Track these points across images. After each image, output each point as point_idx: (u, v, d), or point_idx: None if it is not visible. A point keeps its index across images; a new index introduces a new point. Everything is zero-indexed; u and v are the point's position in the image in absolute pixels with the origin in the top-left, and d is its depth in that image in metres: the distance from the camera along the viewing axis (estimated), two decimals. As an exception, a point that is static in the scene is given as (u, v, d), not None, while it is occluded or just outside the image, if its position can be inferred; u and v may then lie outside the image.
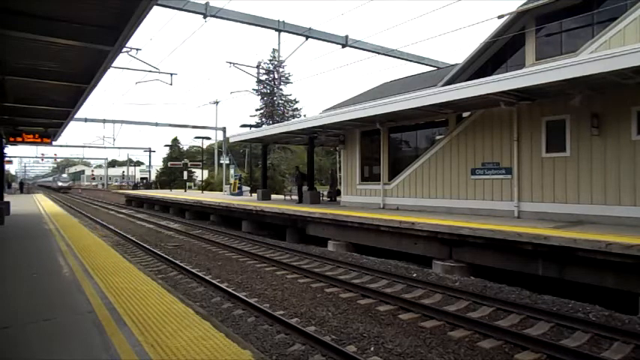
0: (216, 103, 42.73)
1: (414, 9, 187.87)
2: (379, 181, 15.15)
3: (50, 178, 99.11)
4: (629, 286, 6.72)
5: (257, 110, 49.78)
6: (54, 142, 24.14)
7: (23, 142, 16.66)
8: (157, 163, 74.27)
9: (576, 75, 8.20)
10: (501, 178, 11.33)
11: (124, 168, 71.05)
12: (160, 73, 24.70)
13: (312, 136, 18.33)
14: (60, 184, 71.10)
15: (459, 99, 10.56)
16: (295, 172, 21.97)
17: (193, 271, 9.41)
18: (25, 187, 58.54)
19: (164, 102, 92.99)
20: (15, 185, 58.25)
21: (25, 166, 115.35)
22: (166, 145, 62.86)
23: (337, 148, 22.67)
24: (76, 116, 16.01)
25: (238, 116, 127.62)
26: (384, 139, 15.14)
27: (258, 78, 45.12)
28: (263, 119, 48.31)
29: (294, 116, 48.17)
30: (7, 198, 18.03)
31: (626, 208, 8.96)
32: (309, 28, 19.20)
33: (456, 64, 16.77)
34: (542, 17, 13.64)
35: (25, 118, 14.67)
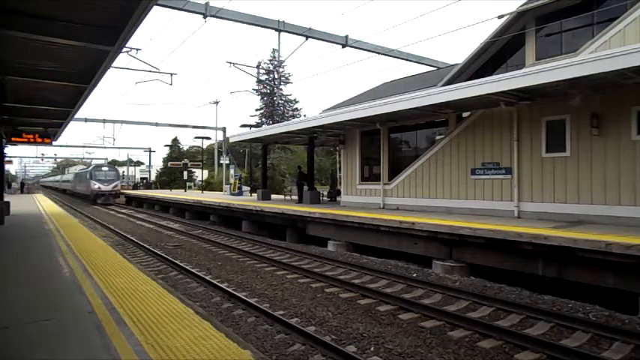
0: (216, 103, 42.72)
1: (414, 9, 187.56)
2: (379, 181, 15.15)
3: (69, 176, 55.83)
4: (629, 286, 6.72)
5: (257, 110, 49.92)
6: (54, 142, 24.18)
7: (23, 142, 16.66)
8: (157, 163, 74.10)
9: (576, 75, 8.20)
10: (501, 178, 11.33)
11: (124, 168, 69.50)
12: (160, 73, 24.70)
13: (312, 136, 18.33)
14: (98, 187, 34.41)
15: (458, 99, 10.56)
16: (297, 172, 21.97)
17: (193, 271, 9.41)
18: (26, 187, 58.45)
19: (164, 102, 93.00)
20: (15, 185, 58.22)
21: (25, 166, 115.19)
22: (166, 145, 62.84)
23: (337, 148, 22.69)
24: (76, 116, 16.01)
25: (238, 116, 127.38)
26: (384, 139, 15.13)
27: (258, 78, 45.19)
28: (263, 119, 48.40)
29: (294, 116, 48.20)
30: (7, 198, 18.02)
31: (626, 208, 8.96)
32: (309, 28, 19.17)
33: (456, 64, 16.76)
34: (542, 17, 13.64)
35: (25, 118, 14.68)
